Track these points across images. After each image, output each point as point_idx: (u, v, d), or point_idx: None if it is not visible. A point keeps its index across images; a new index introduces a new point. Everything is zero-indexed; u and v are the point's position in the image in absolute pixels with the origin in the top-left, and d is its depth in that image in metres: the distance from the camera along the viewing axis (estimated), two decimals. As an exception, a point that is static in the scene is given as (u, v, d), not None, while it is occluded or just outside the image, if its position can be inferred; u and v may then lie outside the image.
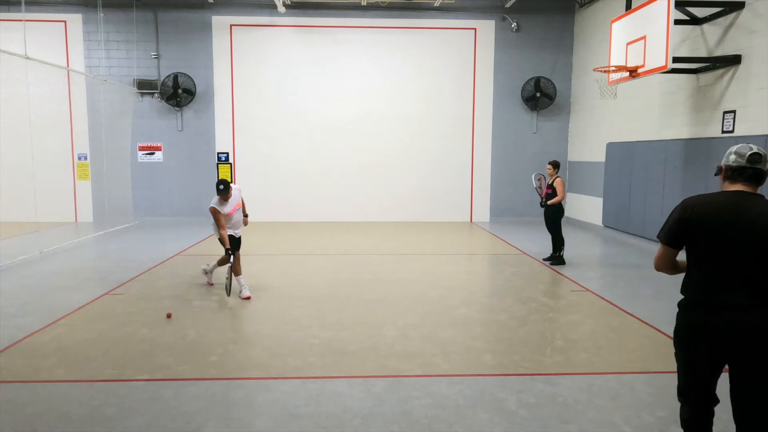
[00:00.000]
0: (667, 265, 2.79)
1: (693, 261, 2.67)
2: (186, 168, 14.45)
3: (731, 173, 2.64)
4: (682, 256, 2.81)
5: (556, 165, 9.08)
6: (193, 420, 3.72)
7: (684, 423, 2.83)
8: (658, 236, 2.77)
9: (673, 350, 2.92)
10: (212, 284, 7.55)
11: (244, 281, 7.09)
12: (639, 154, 11.45)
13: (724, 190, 2.68)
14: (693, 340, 2.69)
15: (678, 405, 2.98)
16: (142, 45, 14.02)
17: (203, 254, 9.91)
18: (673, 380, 4.38)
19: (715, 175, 2.75)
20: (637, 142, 11.57)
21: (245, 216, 7.62)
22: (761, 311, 2.49)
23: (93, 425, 3.65)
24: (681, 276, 2.84)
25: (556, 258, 9.03)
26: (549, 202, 8.91)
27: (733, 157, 2.62)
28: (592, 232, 12.86)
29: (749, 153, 2.58)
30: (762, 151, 2.59)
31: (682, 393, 2.83)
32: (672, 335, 2.92)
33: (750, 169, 2.57)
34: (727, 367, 2.69)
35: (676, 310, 2.83)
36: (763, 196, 2.57)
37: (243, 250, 7.96)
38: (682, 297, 2.78)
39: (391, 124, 14.57)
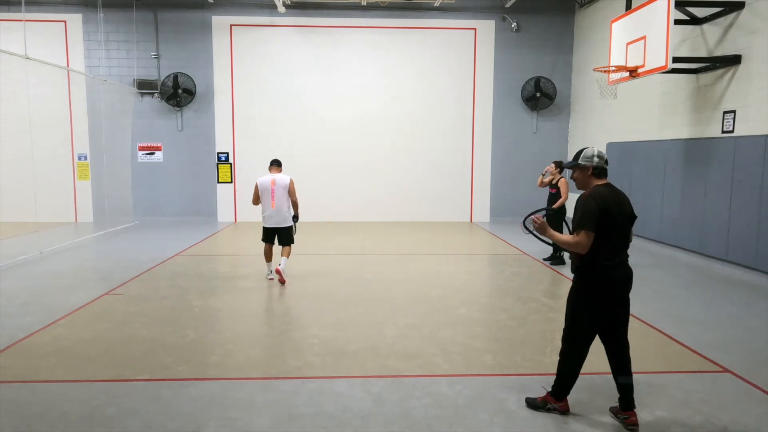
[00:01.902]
0: (588, 247, 3.53)
1: (601, 236, 3.52)
2: (186, 168, 14.45)
3: (598, 172, 3.66)
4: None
5: (559, 165, 9.08)
6: (193, 420, 3.72)
7: (573, 368, 3.76)
8: (581, 227, 3.51)
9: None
10: (281, 280, 7.68)
11: (283, 265, 7.64)
12: (639, 154, 11.45)
13: (598, 184, 3.64)
14: (610, 291, 3.64)
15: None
16: (142, 45, 14.02)
17: (203, 254, 9.90)
18: (673, 380, 4.39)
19: (566, 167, 3.81)
20: (637, 142, 11.56)
21: (295, 208, 7.86)
22: (628, 262, 3.73)
23: (93, 425, 3.65)
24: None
25: (556, 258, 9.03)
26: (554, 207, 8.84)
27: (597, 160, 3.64)
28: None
29: (606, 157, 3.69)
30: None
31: (580, 341, 3.76)
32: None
33: (606, 169, 3.69)
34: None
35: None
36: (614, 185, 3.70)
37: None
38: (588, 265, 3.61)
39: (391, 123, 14.57)
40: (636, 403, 3.96)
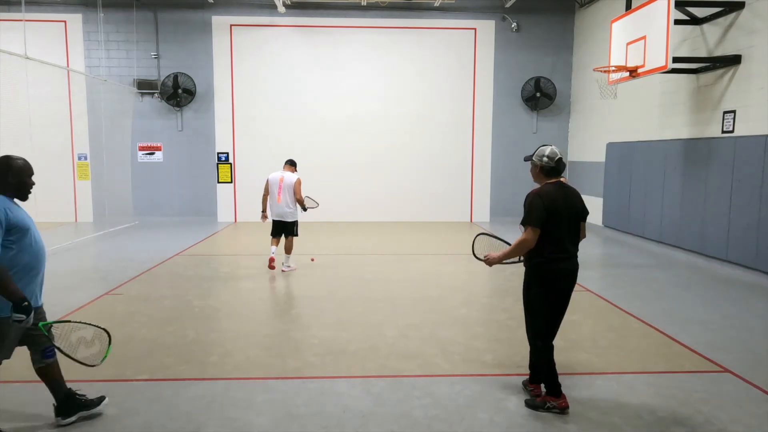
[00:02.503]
0: (534, 242, 3.72)
1: (547, 232, 3.70)
2: (186, 168, 14.45)
3: (547, 171, 3.83)
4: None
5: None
6: (193, 420, 3.72)
7: (548, 359, 3.83)
8: (527, 223, 3.74)
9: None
10: (294, 268, 8.51)
11: (291, 261, 8.50)
12: (639, 154, 11.45)
13: (548, 182, 3.83)
14: (556, 283, 3.77)
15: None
16: (142, 45, 14.02)
17: (203, 254, 9.90)
18: (672, 379, 4.39)
19: (525, 160, 4.00)
20: (637, 142, 11.57)
21: (301, 204, 8.33)
22: (576, 257, 3.86)
23: (93, 425, 3.65)
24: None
25: None
26: None
27: (546, 160, 3.80)
28: (592, 232, 12.85)
29: (557, 158, 3.80)
30: (561, 153, 3.85)
31: (544, 334, 3.83)
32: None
33: (556, 169, 3.81)
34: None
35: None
36: (566, 184, 3.87)
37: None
38: (536, 260, 3.78)
39: (391, 123, 14.57)
40: (636, 402, 3.97)
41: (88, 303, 6.59)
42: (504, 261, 3.94)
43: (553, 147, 3.85)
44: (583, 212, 3.87)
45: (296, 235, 8.47)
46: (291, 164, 8.48)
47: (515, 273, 8.42)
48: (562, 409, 3.80)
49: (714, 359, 4.82)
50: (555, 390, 3.82)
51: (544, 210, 3.68)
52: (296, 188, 8.17)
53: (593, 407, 3.92)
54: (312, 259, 9.14)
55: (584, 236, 3.95)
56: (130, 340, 5.31)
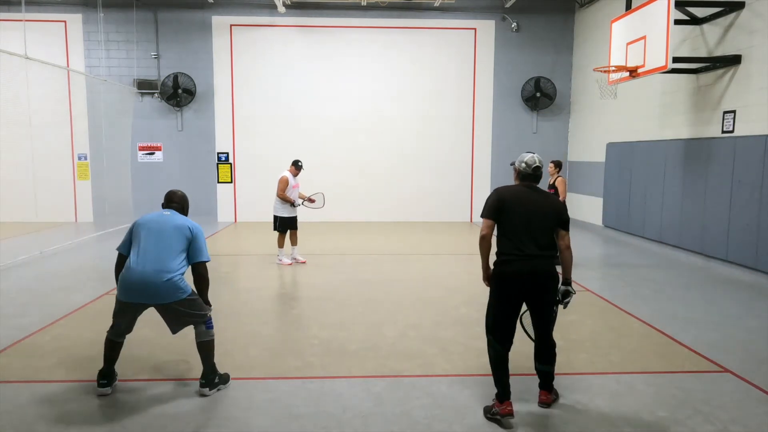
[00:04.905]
0: (490, 232, 3.79)
1: (503, 230, 3.77)
2: (186, 168, 14.45)
3: (522, 176, 3.89)
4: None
5: (558, 164, 9.05)
6: (193, 420, 3.72)
7: (493, 358, 3.81)
8: (482, 215, 3.83)
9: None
10: (291, 263, 8.96)
11: (296, 252, 9.15)
12: (639, 154, 11.45)
13: (518, 183, 3.91)
14: (502, 285, 3.77)
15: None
16: (142, 45, 14.02)
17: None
18: (672, 379, 4.39)
19: (510, 165, 4.09)
20: (637, 142, 11.57)
21: (282, 198, 8.92)
22: (547, 260, 3.77)
23: (93, 425, 3.65)
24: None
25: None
26: None
27: (524, 165, 3.87)
28: (592, 232, 12.86)
29: (534, 165, 3.85)
30: (541, 162, 3.88)
31: (493, 329, 3.83)
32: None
33: (532, 175, 3.86)
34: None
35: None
36: (540, 188, 3.89)
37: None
38: (495, 256, 3.81)
39: (391, 124, 14.58)
40: (636, 402, 3.97)
41: (88, 303, 6.59)
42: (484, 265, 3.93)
43: (534, 155, 3.89)
44: (557, 217, 3.78)
45: (276, 229, 8.96)
46: (291, 164, 9.18)
47: (515, 273, 8.41)
48: (503, 416, 3.61)
49: (714, 359, 4.82)
50: (499, 394, 3.70)
51: (496, 202, 3.76)
52: (278, 185, 8.87)
53: (593, 407, 3.92)
54: (302, 262, 9.13)
55: (566, 245, 3.84)
56: (130, 340, 5.28)
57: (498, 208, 3.75)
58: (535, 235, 3.72)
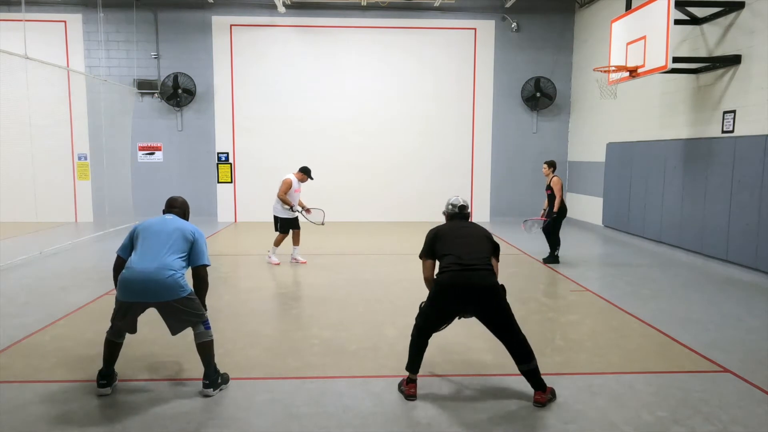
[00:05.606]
0: (431, 273, 4.21)
1: (442, 252, 4.11)
2: (186, 168, 14.45)
3: (450, 216, 4.49)
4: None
5: (551, 164, 9.02)
6: (193, 420, 3.72)
7: (415, 342, 4.13)
8: (420, 256, 4.27)
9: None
10: (279, 263, 8.98)
11: (297, 252, 9.18)
12: (639, 154, 11.45)
13: (450, 222, 4.43)
14: (439, 295, 4.02)
15: None
16: (142, 45, 14.02)
17: (203, 254, 9.88)
18: (672, 379, 4.40)
19: (443, 213, 4.60)
20: (637, 142, 11.57)
21: (282, 201, 9.03)
22: (487, 271, 3.99)
23: (93, 425, 3.65)
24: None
25: (553, 257, 9.02)
26: (554, 210, 8.77)
27: (450, 207, 4.49)
28: (592, 232, 12.86)
29: (459, 204, 4.47)
30: (465, 201, 4.52)
31: (422, 328, 4.12)
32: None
33: (459, 214, 4.44)
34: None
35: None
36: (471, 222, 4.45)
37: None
38: (439, 269, 4.10)
39: (391, 124, 14.57)
40: (636, 402, 3.97)
41: (88, 303, 6.59)
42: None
43: (458, 196, 4.55)
44: (489, 240, 4.19)
45: (277, 230, 9.05)
46: (300, 169, 9.27)
47: (515, 273, 8.42)
48: (407, 396, 3.98)
49: (714, 359, 4.82)
50: (408, 367, 4.06)
51: (431, 239, 4.21)
52: (280, 186, 8.92)
53: (593, 407, 3.92)
54: (302, 262, 9.15)
55: (496, 272, 4.09)
56: (130, 340, 5.28)
57: (433, 243, 4.18)
58: (469, 248, 4.07)
